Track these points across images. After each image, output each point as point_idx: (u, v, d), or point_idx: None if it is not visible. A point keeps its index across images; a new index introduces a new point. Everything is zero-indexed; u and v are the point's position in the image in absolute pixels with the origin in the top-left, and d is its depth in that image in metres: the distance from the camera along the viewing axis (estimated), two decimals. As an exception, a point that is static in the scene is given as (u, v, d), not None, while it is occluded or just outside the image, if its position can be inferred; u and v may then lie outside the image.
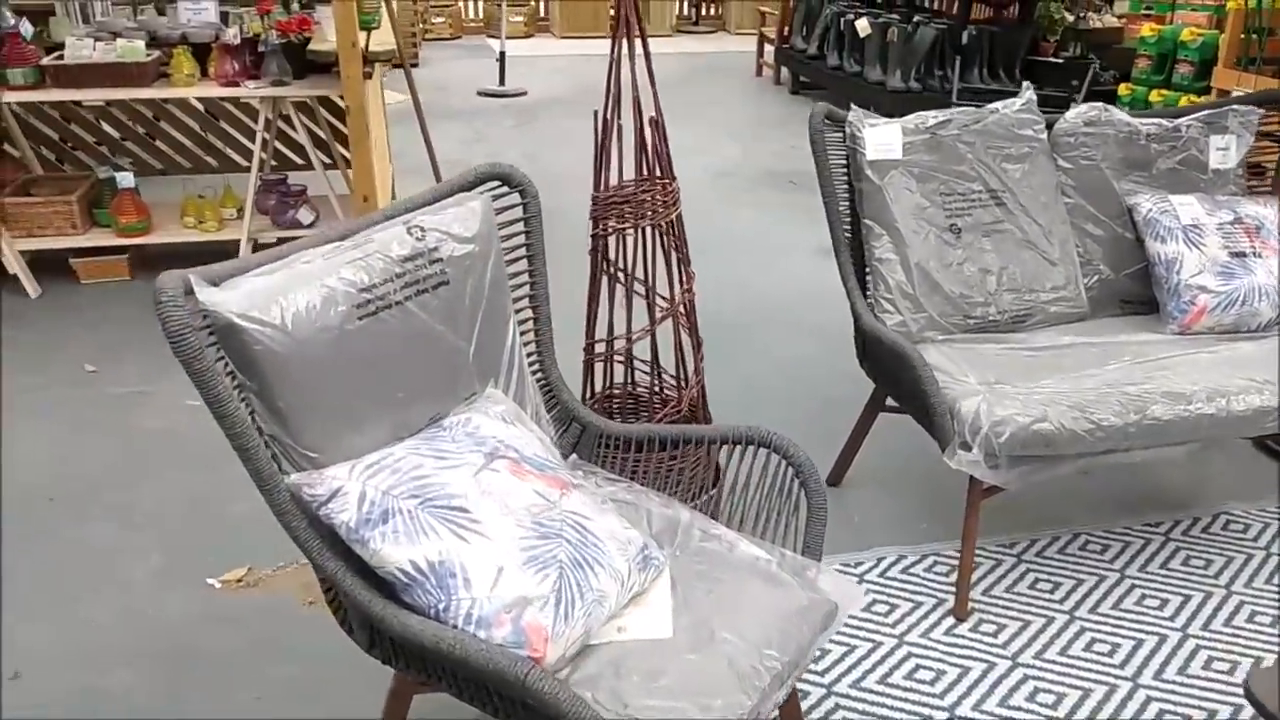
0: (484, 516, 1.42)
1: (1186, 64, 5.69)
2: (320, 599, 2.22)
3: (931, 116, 2.46)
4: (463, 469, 1.47)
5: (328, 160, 4.50)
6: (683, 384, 2.25)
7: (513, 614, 1.34)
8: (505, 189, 1.80)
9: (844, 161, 2.44)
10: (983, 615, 2.22)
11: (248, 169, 4.31)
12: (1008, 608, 2.25)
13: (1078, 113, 2.59)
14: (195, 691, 2.00)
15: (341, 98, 3.75)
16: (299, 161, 4.72)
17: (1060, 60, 6.61)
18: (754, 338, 3.58)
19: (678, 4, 11.24)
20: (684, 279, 2.18)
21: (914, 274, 2.37)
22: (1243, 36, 5.15)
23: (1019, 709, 1.96)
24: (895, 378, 2.34)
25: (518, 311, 1.81)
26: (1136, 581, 2.32)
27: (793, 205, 5.04)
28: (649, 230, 2.13)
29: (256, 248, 4.05)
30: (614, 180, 2.12)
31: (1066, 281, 2.51)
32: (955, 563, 2.38)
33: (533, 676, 1.24)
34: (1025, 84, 2.63)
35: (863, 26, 6.82)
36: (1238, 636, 2.15)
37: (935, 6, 7.67)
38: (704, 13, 11.56)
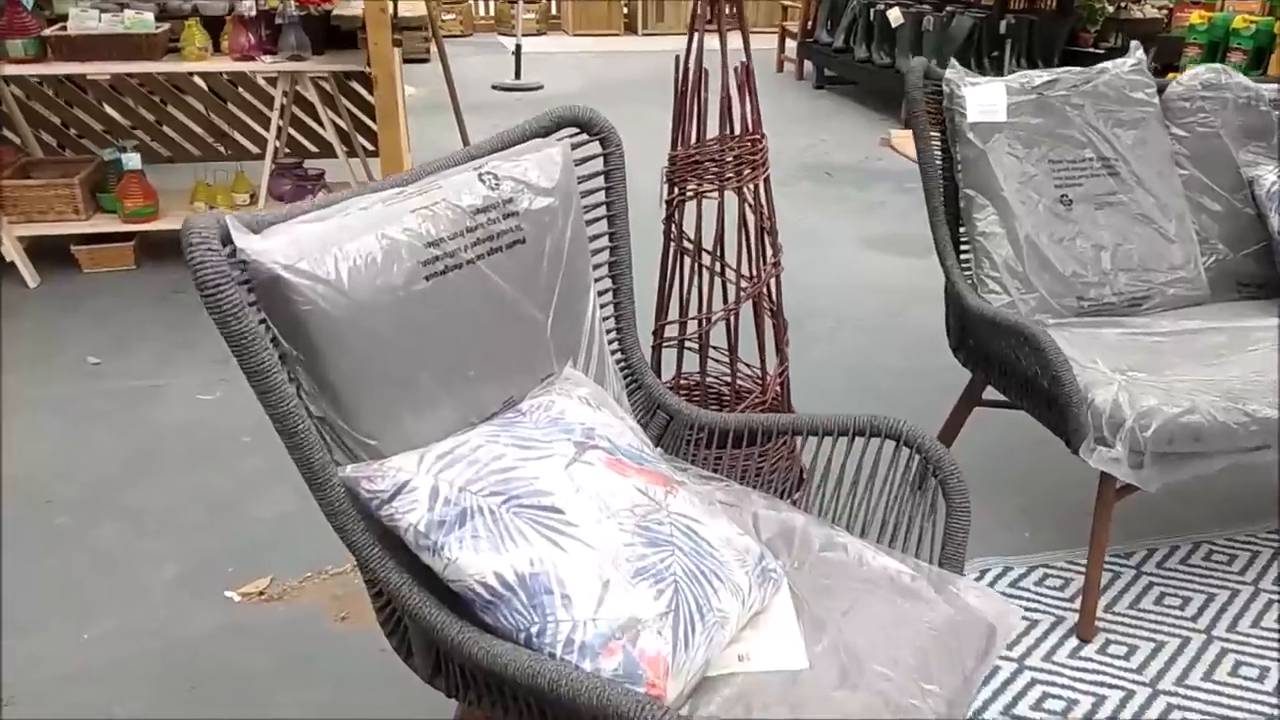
0: (582, 519, 1.15)
1: (1239, 52, 5.45)
2: (355, 612, 1.96)
3: (1037, 76, 2.20)
4: (552, 461, 1.20)
5: (347, 149, 4.24)
6: (765, 374, 1.99)
7: (624, 640, 1.08)
8: (583, 137, 1.53)
9: (939, 128, 2.17)
10: (1110, 635, 1.95)
11: (260, 156, 4.06)
12: (1136, 626, 1.98)
13: (1193, 75, 2.33)
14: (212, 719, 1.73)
15: (365, 72, 3.50)
16: (314, 150, 4.47)
17: (1100, 51, 6.36)
18: (808, 333, 3.32)
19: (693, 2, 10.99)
20: (772, 252, 1.91)
21: (1023, 249, 2.11)
22: (1304, 21, 4.90)
23: (1170, 746, 1.70)
24: (1006, 366, 2.07)
25: (596, 281, 1.55)
26: (1273, 596, 2.06)
27: (832, 198, 4.78)
28: (728, 197, 1.87)
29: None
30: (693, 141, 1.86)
31: (1185, 261, 2.24)
32: (1069, 576, 2.12)
33: (663, 722, 0.97)
34: (1134, 42, 2.37)
35: (895, 16, 6.58)
36: (1406, 661, 1.88)
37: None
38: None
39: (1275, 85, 2.37)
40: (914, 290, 3.63)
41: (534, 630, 1.09)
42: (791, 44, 8.23)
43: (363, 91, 4.36)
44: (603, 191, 1.56)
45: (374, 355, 1.17)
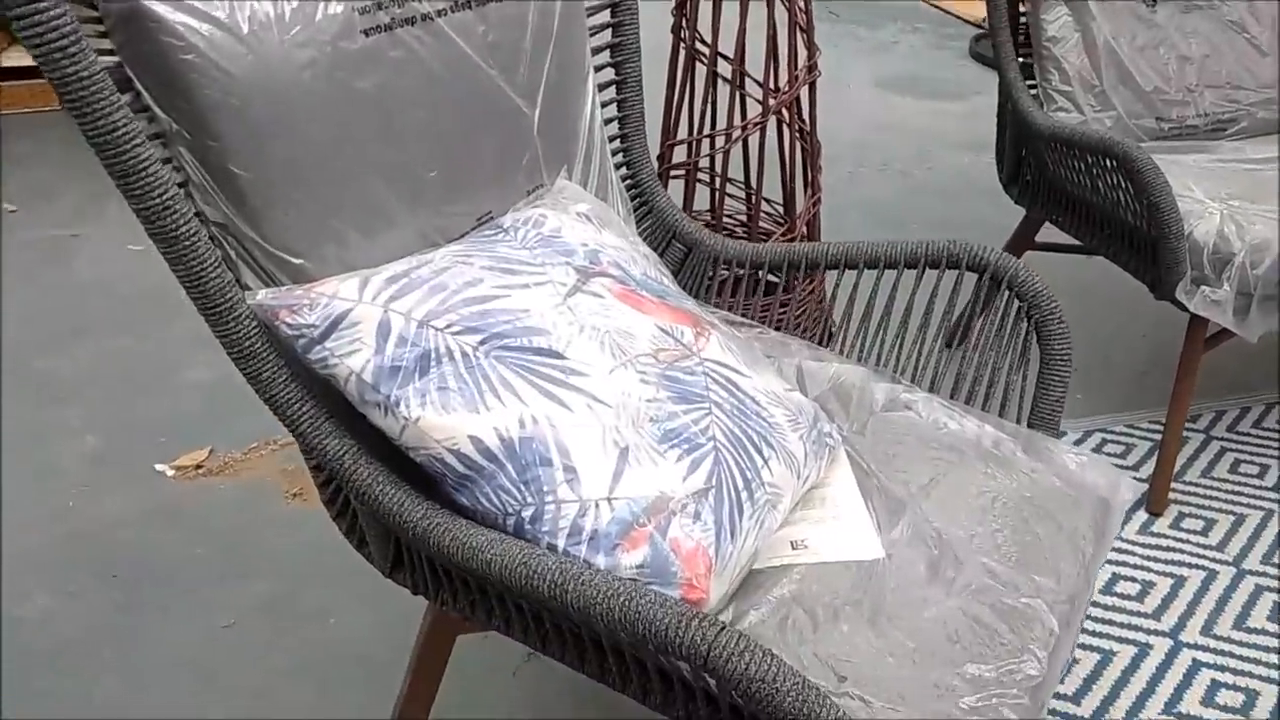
0: (589, 366, 0.84)
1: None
2: (310, 490, 1.67)
3: None
4: (546, 290, 0.89)
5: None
6: (794, 208, 1.66)
7: (651, 526, 0.78)
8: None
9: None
10: (1183, 508, 1.70)
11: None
12: (1211, 498, 1.72)
13: None
14: (141, 618, 1.45)
15: None
16: None
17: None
18: (829, 179, 2.97)
19: None
20: (807, 54, 1.56)
21: (1101, 58, 1.76)
22: None
23: (1263, 632, 1.46)
24: (1077, 200, 1.75)
25: (597, 70, 1.20)
26: (1364, 464, 1.81)
27: (841, 36, 4.34)
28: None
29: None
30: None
31: (1277, 79, 1.91)
32: (1130, 442, 1.85)
33: (718, 639, 0.68)
34: None
35: None
36: None
37: None
38: None
39: None
40: (941, 134, 3.27)
41: (527, 515, 0.79)
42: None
43: None
44: (602, -45, 1.19)
45: (289, 134, 0.83)
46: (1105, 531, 1.00)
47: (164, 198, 0.75)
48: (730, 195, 1.78)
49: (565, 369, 0.83)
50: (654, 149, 1.62)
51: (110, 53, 0.76)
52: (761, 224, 1.81)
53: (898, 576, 0.89)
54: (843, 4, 4.89)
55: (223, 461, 1.74)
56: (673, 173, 1.70)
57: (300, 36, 0.83)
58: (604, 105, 1.23)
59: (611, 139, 1.24)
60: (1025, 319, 1.14)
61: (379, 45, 0.89)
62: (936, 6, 4.84)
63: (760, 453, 0.88)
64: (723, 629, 0.69)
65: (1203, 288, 1.47)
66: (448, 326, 0.82)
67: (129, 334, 2.10)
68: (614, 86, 1.24)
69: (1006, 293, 1.15)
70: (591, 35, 1.19)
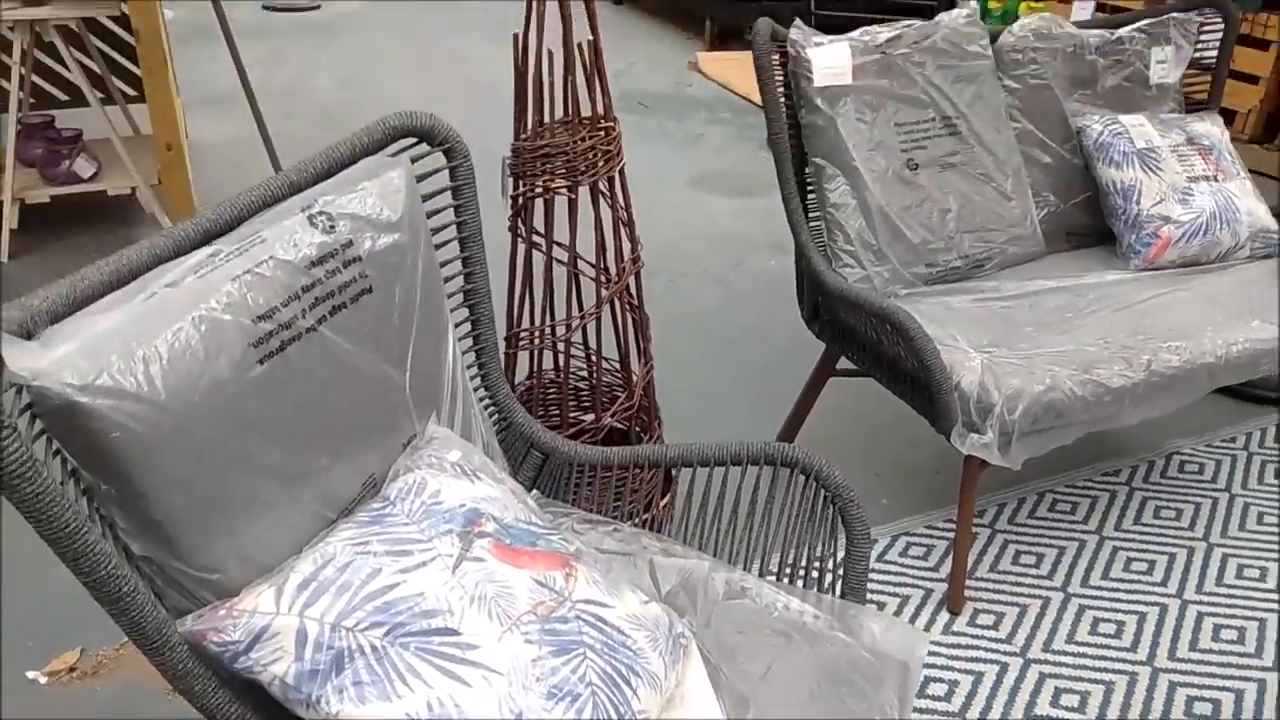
0: (481, 638, 0.99)
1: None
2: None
3: (881, 33, 2.12)
4: (436, 565, 1.03)
5: (102, 95, 3.69)
6: (631, 377, 1.86)
7: (547, 779, 0.95)
8: (423, 148, 1.32)
9: (785, 90, 2.06)
10: (977, 604, 1.99)
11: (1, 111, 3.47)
12: (999, 591, 2.02)
13: (1024, 24, 2.32)
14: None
15: (116, 18, 3.01)
16: (64, 97, 3.88)
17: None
18: (650, 290, 3.20)
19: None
20: (631, 247, 1.76)
21: (875, 220, 2.05)
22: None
23: (1047, 718, 1.74)
24: (866, 344, 2.03)
25: (452, 311, 1.36)
26: (1117, 543, 2.15)
27: (652, 132, 4.63)
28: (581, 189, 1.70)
29: (25, 213, 3.28)
30: (532, 125, 1.67)
31: (1023, 217, 2.26)
32: (930, 543, 2.14)
33: None
34: (967, -6, 2.32)
35: (693, -70, 6.38)
36: (1234, 597, 2.01)
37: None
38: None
39: (1099, 31, 2.39)
40: (749, 235, 3.57)
41: (440, 783, 0.93)
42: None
43: (114, 27, 3.79)
44: (452, 210, 1.35)
45: (204, 473, 0.95)
46: (906, 696, 1.23)
47: (107, 567, 0.85)
48: (574, 356, 1.96)
49: (461, 644, 0.98)
50: (502, 330, 1.79)
51: (43, 434, 0.86)
52: (604, 379, 1.99)
53: (748, 772, 1.08)
54: (651, 95, 5.20)
55: (96, 661, 1.77)
56: (522, 348, 1.86)
57: (204, 382, 0.95)
58: (460, 340, 1.38)
59: (470, 367, 1.40)
60: (831, 505, 1.37)
61: (272, 368, 1.02)
62: (736, 94, 5.22)
63: (629, 683, 1.06)
64: None
65: (971, 434, 1.75)
66: (356, 625, 0.95)
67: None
68: (470, 324, 1.40)
69: (814, 484, 1.38)
70: (446, 282, 1.35)
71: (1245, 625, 1.94)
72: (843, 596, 1.34)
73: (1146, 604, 1.99)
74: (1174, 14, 2.45)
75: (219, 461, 0.96)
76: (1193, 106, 2.54)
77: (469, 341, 1.41)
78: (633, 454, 1.43)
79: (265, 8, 6.81)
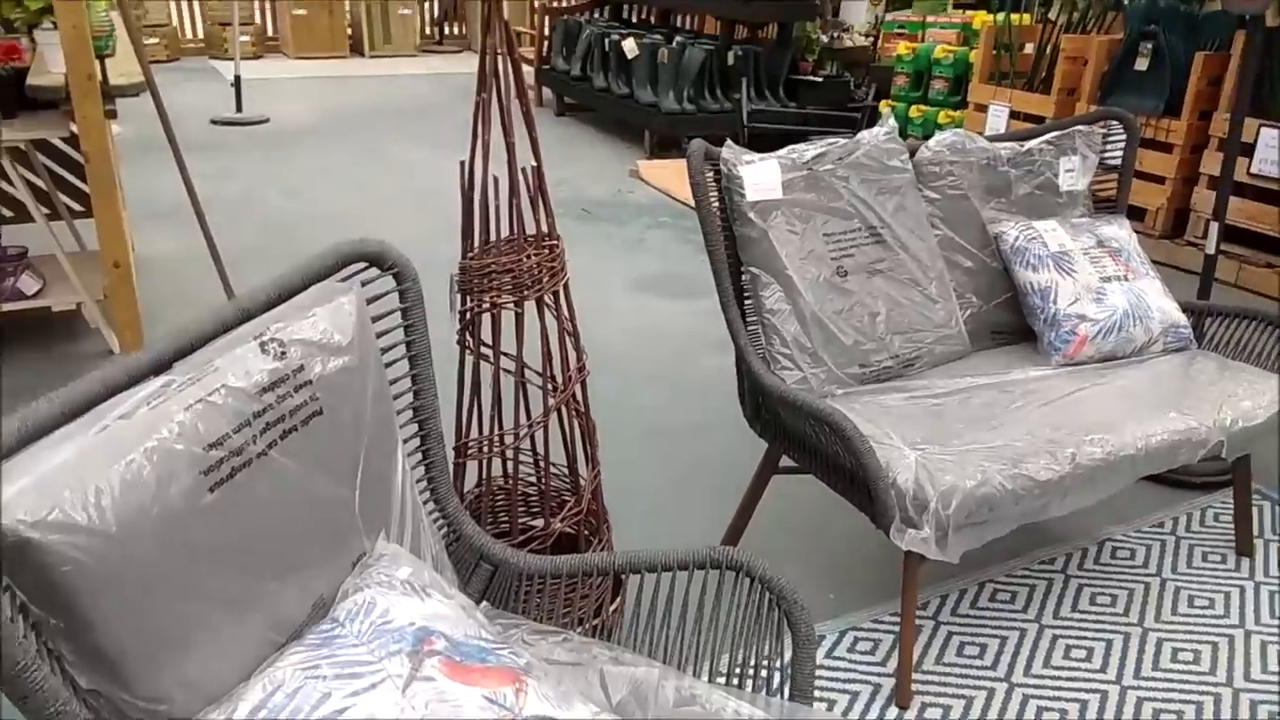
0: (432, 756, 1.01)
1: (941, 80, 5.95)
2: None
3: (807, 150, 2.24)
4: (384, 687, 1.05)
5: (48, 211, 3.71)
6: (579, 483, 1.89)
7: None
8: (373, 272, 1.37)
9: (720, 204, 2.17)
10: (925, 698, 2.01)
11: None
12: (945, 684, 2.06)
13: (939, 140, 2.47)
14: None
15: (66, 139, 3.07)
16: (8, 214, 3.89)
17: (820, 79, 6.76)
18: (597, 393, 3.26)
19: (419, 22, 10.69)
20: (576, 356, 1.82)
21: (810, 325, 2.14)
22: (994, 53, 5.42)
23: (996, 811, 1.77)
24: (806, 444, 2.10)
25: (401, 427, 1.39)
26: (1057, 631, 2.21)
27: (595, 238, 4.76)
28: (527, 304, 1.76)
29: (-36, 329, 3.26)
30: (475, 246, 1.74)
31: (948, 318, 2.37)
32: (877, 638, 2.17)
33: None
34: (886, 112, 2.48)
35: (630, 47, 6.67)
36: (1171, 683, 2.07)
37: (692, 27, 7.68)
38: (448, 31, 11.09)
39: (1010, 144, 2.55)
40: (693, 335, 3.66)
41: None
42: (528, 69, 8.18)
43: (62, 145, 3.84)
44: (401, 330, 1.40)
45: (153, 603, 0.97)
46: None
47: (53, 699, 0.86)
48: (522, 462, 1.99)
49: (412, 765, 0.99)
50: (451, 439, 1.82)
51: (-6, 570, 0.87)
52: (553, 484, 2.02)
53: None
54: (594, 201, 5.36)
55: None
56: (470, 458, 1.89)
57: (155, 513, 0.97)
58: (409, 455, 1.42)
59: (419, 481, 1.43)
60: (776, 608, 1.41)
61: (223, 495, 1.04)
62: (676, 199, 5.39)
63: (579, 796, 1.07)
64: None
65: (909, 530, 1.81)
66: (308, 749, 0.96)
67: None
68: (419, 440, 1.43)
69: (759, 586, 1.41)
70: (395, 399, 1.39)
71: (1183, 709, 1.99)
72: (791, 698, 1.37)
73: (1087, 691, 2.04)
74: (1079, 126, 2.63)
75: (168, 591, 0.98)
76: (1103, 205, 2.71)
77: (418, 456, 1.44)
78: (581, 562, 1.46)
79: (214, 121, 6.92)
